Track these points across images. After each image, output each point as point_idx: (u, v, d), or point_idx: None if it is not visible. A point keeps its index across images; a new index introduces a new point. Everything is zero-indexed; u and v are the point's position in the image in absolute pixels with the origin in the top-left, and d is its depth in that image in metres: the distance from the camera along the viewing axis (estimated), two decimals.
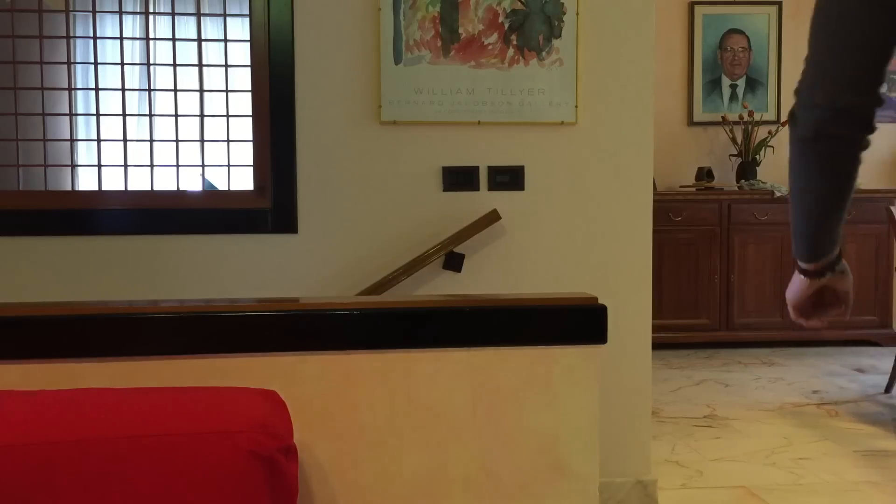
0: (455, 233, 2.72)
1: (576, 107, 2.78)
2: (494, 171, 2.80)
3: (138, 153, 3.20)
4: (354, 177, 2.78)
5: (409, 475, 1.49)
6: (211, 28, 4.08)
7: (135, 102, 4.92)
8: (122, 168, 3.02)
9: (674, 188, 5.58)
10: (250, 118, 2.82)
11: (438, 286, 2.77)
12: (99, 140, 2.98)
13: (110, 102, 3.36)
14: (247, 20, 2.82)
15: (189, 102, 3.03)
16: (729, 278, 5.33)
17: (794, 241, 1.33)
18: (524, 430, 1.52)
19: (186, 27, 3.57)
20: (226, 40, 2.99)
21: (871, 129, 1.21)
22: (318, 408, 1.46)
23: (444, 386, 1.49)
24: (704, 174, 5.56)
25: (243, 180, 3.03)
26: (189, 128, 3.07)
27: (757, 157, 5.61)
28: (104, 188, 3.01)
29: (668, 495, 2.92)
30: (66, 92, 3.37)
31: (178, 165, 2.96)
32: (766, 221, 5.37)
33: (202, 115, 2.97)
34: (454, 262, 2.75)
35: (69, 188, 3.70)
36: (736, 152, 5.65)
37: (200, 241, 2.77)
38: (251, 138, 2.82)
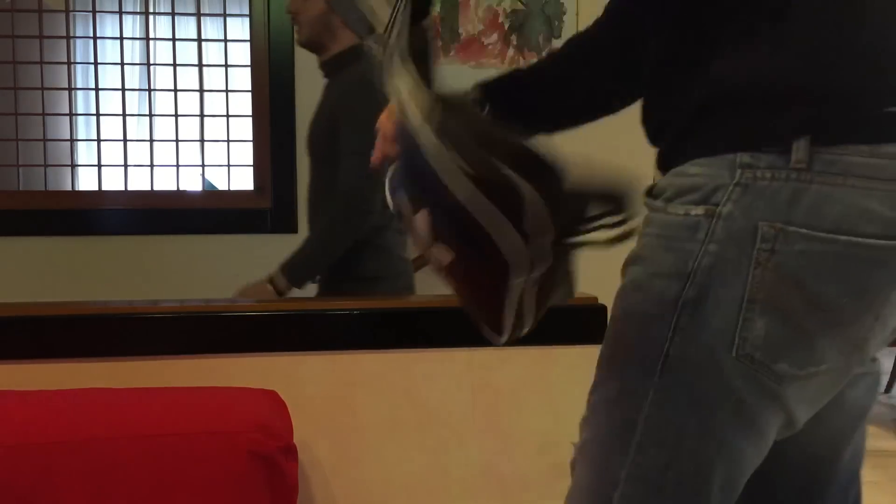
0: None
1: None
2: None
3: (138, 153, 3.19)
4: None
5: (409, 475, 1.49)
6: (211, 28, 4.08)
7: (135, 102, 4.91)
8: (122, 168, 3.02)
9: None
10: (250, 118, 2.82)
11: (438, 286, 2.77)
12: (99, 140, 2.98)
13: (110, 102, 3.35)
14: (247, 20, 2.82)
15: (189, 102, 3.02)
16: None
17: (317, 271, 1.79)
18: (524, 430, 1.52)
19: (186, 27, 3.57)
20: (226, 40, 2.99)
21: None
22: (318, 408, 1.46)
23: (444, 386, 1.49)
24: None
25: (243, 180, 3.03)
26: (189, 128, 3.07)
27: None
28: (104, 188, 3.01)
29: None
30: (66, 92, 3.37)
31: (177, 165, 2.96)
32: None
33: (202, 115, 2.97)
34: None
35: (69, 188, 3.69)
36: None
37: (200, 241, 2.77)
38: (251, 138, 2.82)
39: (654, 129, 0.86)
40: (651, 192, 0.82)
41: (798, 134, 0.70)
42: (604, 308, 1.55)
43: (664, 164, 0.84)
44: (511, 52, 2.77)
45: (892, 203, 0.71)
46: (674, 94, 0.81)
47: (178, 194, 2.98)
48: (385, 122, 0.97)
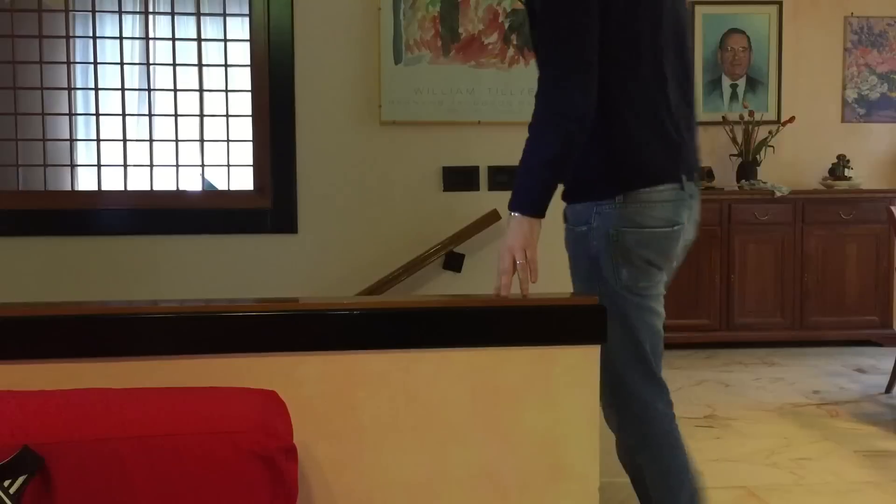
0: (455, 233, 2.72)
1: None
2: (494, 171, 2.79)
3: (138, 153, 3.19)
4: (354, 177, 2.78)
5: (409, 475, 1.49)
6: (210, 28, 4.08)
7: (134, 102, 4.91)
8: (122, 168, 3.02)
9: None
10: (250, 118, 2.82)
11: (438, 286, 2.77)
12: (98, 140, 2.98)
13: (110, 102, 3.35)
14: (247, 20, 2.82)
15: (189, 102, 3.02)
16: (729, 278, 5.32)
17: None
18: (524, 431, 1.52)
19: (186, 27, 3.57)
20: (225, 40, 2.99)
21: None
22: (318, 408, 1.46)
23: (444, 386, 1.49)
24: (705, 174, 5.56)
25: (243, 180, 3.03)
26: (189, 128, 3.07)
27: (757, 157, 5.61)
28: (104, 188, 3.01)
29: None
30: (66, 92, 3.37)
31: (177, 165, 2.96)
32: (766, 221, 5.37)
33: (202, 115, 2.97)
34: (454, 262, 2.75)
35: (69, 188, 3.69)
36: (736, 152, 5.65)
37: (200, 241, 2.77)
38: (251, 138, 2.82)
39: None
40: (566, 218, 1.80)
41: (618, 192, 1.66)
42: (604, 308, 1.55)
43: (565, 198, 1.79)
44: (511, 51, 2.77)
45: (665, 210, 1.69)
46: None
47: (178, 194, 2.98)
48: None
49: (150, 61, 4.35)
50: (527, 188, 1.69)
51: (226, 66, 2.98)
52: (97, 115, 3.00)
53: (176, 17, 2.96)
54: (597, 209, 1.68)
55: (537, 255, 1.65)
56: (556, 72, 1.63)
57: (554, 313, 1.54)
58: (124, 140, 2.99)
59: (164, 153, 3.07)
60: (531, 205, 1.66)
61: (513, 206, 1.68)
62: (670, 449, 1.73)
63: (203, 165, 3.09)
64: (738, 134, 5.63)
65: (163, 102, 3.80)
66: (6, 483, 1.12)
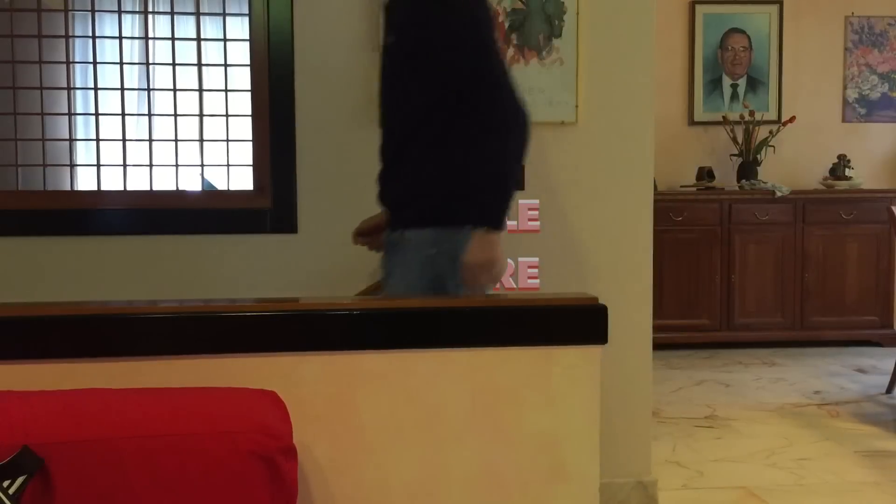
0: None
1: (576, 107, 2.78)
2: None
3: (137, 153, 3.19)
4: (354, 177, 2.77)
5: (409, 475, 1.49)
6: (210, 27, 4.08)
7: (134, 102, 4.91)
8: (122, 168, 3.02)
9: (674, 188, 5.58)
10: (250, 118, 2.82)
11: None
12: (98, 140, 2.97)
13: (109, 102, 3.35)
14: (246, 19, 2.82)
15: (188, 102, 3.02)
16: (729, 278, 5.32)
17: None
18: (524, 431, 1.51)
19: (186, 26, 3.57)
20: (225, 40, 2.98)
21: None
22: (318, 408, 1.46)
23: (444, 386, 1.49)
24: (705, 174, 5.56)
25: (243, 180, 3.03)
26: (188, 127, 3.07)
27: (758, 156, 5.61)
28: (103, 188, 3.01)
29: (668, 496, 2.92)
30: (65, 91, 3.37)
31: (177, 165, 2.96)
32: (766, 221, 5.37)
33: (201, 115, 2.97)
34: None
35: (68, 188, 3.69)
36: (737, 152, 5.65)
37: (200, 241, 2.77)
38: (251, 138, 2.82)
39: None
40: (403, 240, 1.96)
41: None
42: (604, 308, 1.55)
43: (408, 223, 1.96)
44: (511, 51, 2.77)
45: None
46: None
47: (178, 194, 2.97)
48: None
49: (150, 61, 4.35)
50: (499, 202, 1.75)
51: (225, 65, 2.98)
52: (97, 114, 3.00)
53: (175, 16, 2.96)
54: (447, 234, 1.81)
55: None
56: (505, 88, 1.75)
57: (554, 313, 1.54)
58: (124, 140, 2.99)
59: (163, 153, 3.07)
60: (502, 218, 1.77)
61: (486, 222, 1.76)
62: None
63: (203, 165, 3.09)
64: (738, 134, 5.63)
65: (162, 102, 3.80)
66: (6, 483, 1.12)
